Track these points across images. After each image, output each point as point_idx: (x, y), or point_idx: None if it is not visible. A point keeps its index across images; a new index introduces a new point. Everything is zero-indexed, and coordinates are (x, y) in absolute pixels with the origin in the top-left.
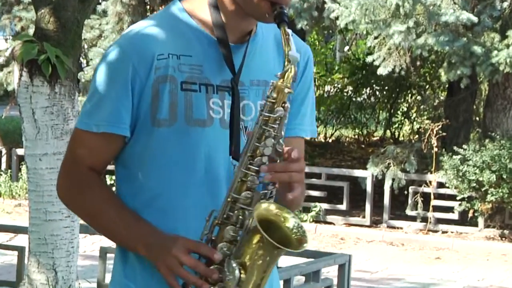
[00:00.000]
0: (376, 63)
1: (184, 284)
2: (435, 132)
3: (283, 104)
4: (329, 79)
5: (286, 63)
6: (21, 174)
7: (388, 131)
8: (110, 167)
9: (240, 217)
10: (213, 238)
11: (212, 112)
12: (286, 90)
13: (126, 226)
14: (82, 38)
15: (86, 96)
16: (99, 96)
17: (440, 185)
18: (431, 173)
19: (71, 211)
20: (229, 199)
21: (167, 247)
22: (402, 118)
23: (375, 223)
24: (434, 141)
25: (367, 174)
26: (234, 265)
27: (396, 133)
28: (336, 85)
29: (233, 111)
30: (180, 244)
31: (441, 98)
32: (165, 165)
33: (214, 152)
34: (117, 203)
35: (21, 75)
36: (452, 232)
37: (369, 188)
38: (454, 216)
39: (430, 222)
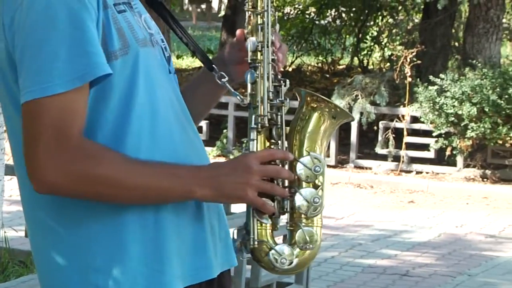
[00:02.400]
0: None
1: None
2: (408, 59)
3: None
4: None
5: None
6: None
7: (355, 58)
8: None
9: (278, 114)
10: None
11: (143, 30)
12: None
13: (165, 176)
14: None
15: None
16: (59, 46)
17: (414, 119)
18: (404, 106)
19: (83, 195)
20: (267, 99)
21: (244, 168)
22: (372, 43)
23: (340, 163)
24: (407, 70)
25: None
26: (315, 154)
27: (365, 61)
28: (296, 6)
29: (179, 29)
30: (254, 158)
31: (416, 21)
32: (132, 97)
33: (161, 73)
34: (137, 159)
35: None
36: (427, 173)
37: None
38: (430, 154)
39: (402, 162)
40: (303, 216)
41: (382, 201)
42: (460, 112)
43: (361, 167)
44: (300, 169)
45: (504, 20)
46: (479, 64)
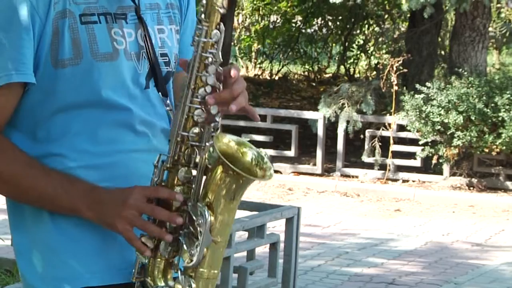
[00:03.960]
0: None
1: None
2: (395, 68)
3: (217, 26)
4: (275, 7)
5: None
6: None
7: (342, 67)
8: None
9: (192, 156)
10: (163, 184)
11: (116, 44)
12: (220, 10)
13: (58, 187)
14: None
15: None
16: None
17: (401, 128)
18: (390, 114)
19: None
20: (178, 139)
21: (122, 199)
22: (358, 52)
23: (327, 171)
24: (394, 79)
25: (318, 116)
26: (201, 206)
27: (351, 70)
28: (283, 14)
29: (148, 41)
30: (137, 192)
31: (402, 29)
32: (76, 106)
33: (122, 87)
34: (38, 164)
35: None
36: (413, 181)
37: (320, 131)
38: (416, 163)
39: (389, 170)
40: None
41: (369, 209)
42: (446, 121)
43: (348, 176)
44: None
45: (490, 29)
46: (465, 73)
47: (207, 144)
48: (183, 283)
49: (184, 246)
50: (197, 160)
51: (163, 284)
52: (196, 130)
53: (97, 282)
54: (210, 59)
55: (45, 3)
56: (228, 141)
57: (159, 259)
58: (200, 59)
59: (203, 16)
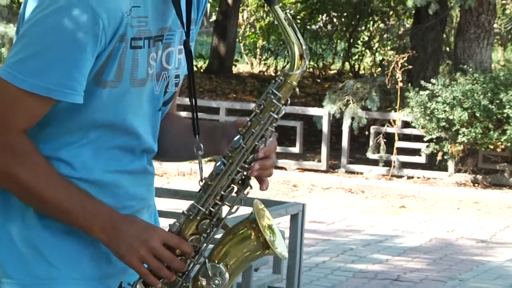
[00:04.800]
0: None
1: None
2: (400, 64)
3: (286, 102)
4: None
5: (297, 60)
6: None
7: (347, 63)
8: None
9: (218, 212)
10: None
11: (149, 69)
12: (294, 88)
13: (77, 203)
14: None
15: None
16: (53, 54)
17: (406, 124)
18: (395, 111)
19: None
20: (217, 197)
21: (144, 239)
22: (363, 48)
23: (332, 167)
24: (398, 75)
25: (323, 112)
26: (221, 267)
27: (356, 66)
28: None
29: (191, 82)
30: (160, 236)
31: (407, 26)
32: (98, 124)
33: (140, 108)
34: (60, 176)
35: None
36: (418, 178)
37: (325, 128)
38: (421, 159)
39: (393, 167)
40: None
41: (373, 206)
42: (451, 117)
43: (353, 172)
44: (201, 270)
45: (495, 25)
46: (470, 69)
47: (235, 206)
48: None
49: None
50: (221, 216)
51: None
52: (232, 190)
53: None
54: (269, 131)
55: (114, 28)
56: (265, 212)
57: None
58: (264, 130)
59: (278, 90)
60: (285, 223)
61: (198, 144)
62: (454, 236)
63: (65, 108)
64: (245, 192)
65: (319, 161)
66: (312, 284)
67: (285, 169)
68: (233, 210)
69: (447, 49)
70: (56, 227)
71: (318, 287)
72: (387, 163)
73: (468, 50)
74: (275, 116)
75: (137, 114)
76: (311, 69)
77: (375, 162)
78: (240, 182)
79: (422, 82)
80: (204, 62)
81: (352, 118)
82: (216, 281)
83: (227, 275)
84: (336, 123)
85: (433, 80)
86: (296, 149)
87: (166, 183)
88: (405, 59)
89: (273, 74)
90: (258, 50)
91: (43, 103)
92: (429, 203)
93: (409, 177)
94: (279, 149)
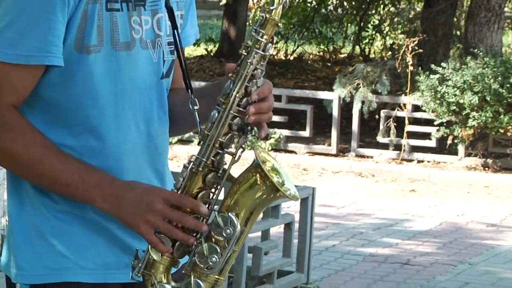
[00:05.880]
0: None
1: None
2: (410, 48)
3: (271, 40)
4: None
5: None
6: None
7: (357, 47)
8: None
9: (221, 163)
10: (185, 186)
11: (134, 33)
12: (277, 25)
13: (75, 174)
14: None
15: None
16: (24, 21)
17: (416, 108)
18: (405, 95)
19: None
20: (216, 145)
21: (147, 202)
22: (373, 32)
23: (342, 151)
24: (409, 59)
25: (333, 96)
26: (231, 216)
27: (367, 50)
28: None
29: (176, 36)
30: (162, 197)
31: (418, 9)
32: (93, 97)
33: (138, 77)
34: (56, 148)
35: None
36: (428, 162)
37: (335, 112)
38: (431, 143)
39: (404, 151)
40: (199, 268)
41: (383, 190)
42: (461, 101)
43: (363, 156)
44: (212, 223)
45: (506, 9)
46: (481, 53)
47: (238, 153)
48: (193, 285)
49: (205, 252)
50: (226, 167)
51: (165, 280)
52: (232, 138)
53: (89, 279)
54: (259, 71)
55: None
56: (267, 156)
57: (166, 257)
58: (253, 70)
59: (260, 26)
60: (295, 207)
61: (192, 99)
62: (464, 220)
63: (53, 83)
64: (245, 138)
65: (329, 145)
66: (322, 267)
67: (295, 152)
68: (236, 158)
69: (458, 32)
70: (68, 215)
71: (328, 270)
72: (397, 147)
73: (479, 34)
74: (261, 52)
75: (132, 81)
76: (321, 53)
77: (385, 146)
78: (238, 129)
79: (433, 66)
80: (214, 46)
81: (362, 102)
82: (228, 231)
83: (238, 224)
84: (346, 107)
85: (443, 64)
86: (306, 133)
87: (176, 167)
88: (415, 42)
89: (283, 58)
90: None
91: (26, 72)
92: (439, 187)
93: (419, 161)
94: (289, 133)
